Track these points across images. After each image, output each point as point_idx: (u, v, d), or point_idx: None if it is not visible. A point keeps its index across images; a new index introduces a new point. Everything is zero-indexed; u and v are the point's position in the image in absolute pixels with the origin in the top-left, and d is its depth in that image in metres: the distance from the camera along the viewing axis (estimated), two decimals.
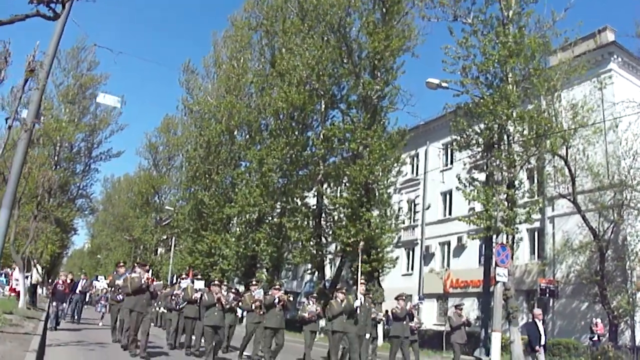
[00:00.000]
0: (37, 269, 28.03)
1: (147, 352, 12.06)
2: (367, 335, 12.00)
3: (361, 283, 12.26)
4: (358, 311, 11.68)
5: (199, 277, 16.00)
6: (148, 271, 12.67)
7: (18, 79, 9.26)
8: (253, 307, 14.75)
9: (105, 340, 15.07)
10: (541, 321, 14.30)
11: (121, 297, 14.77)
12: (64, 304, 19.06)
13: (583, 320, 25.30)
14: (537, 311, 14.44)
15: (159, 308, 21.42)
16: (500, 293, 19.31)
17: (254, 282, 15.63)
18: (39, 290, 37.57)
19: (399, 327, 14.23)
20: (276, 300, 13.37)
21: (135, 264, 14.00)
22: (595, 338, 21.27)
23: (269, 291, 15.06)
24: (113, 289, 16.45)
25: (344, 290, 14.34)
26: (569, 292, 26.21)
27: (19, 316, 15.09)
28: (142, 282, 12.05)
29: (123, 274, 15.36)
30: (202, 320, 13.18)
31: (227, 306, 13.62)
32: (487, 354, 18.42)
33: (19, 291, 19.77)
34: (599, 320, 21.90)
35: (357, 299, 11.84)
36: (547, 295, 25.93)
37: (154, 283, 13.04)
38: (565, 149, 21.24)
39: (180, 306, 15.42)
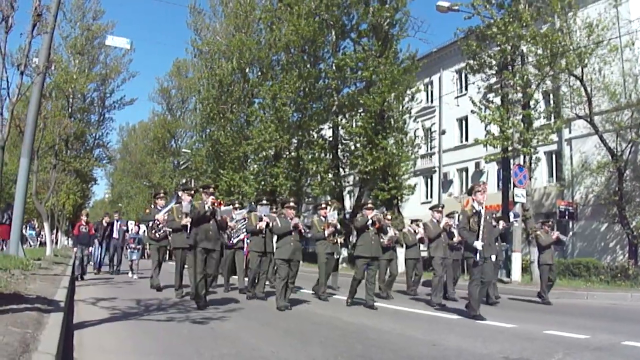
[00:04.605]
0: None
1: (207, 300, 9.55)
2: (493, 257, 9.51)
3: (480, 191, 9.14)
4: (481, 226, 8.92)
5: (264, 202, 12.26)
6: (212, 194, 9.60)
7: (25, 25, 9.17)
8: (325, 235, 12.05)
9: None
10: None
11: (160, 235, 12.94)
12: (90, 248, 16.70)
13: (603, 241, 25.47)
14: None
15: None
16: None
17: (323, 205, 12.94)
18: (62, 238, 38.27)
19: (547, 255, 12.65)
20: (369, 222, 10.60)
21: (180, 192, 11.43)
22: None
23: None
24: (151, 224, 13.40)
25: (440, 209, 12.43)
26: (588, 213, 26.22)
27: (47, 262, 15.47)
28: (207, 207, 9.30)
29: (164, 207, 12.75)
30: (274, 254, 10.92)
31: (309, 234, 11.52)
32: (508, 275, 18.54)
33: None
34: None
35: (476, 210, 9.02)
36: (567, 217, 26.01)
37: (222, 208, 10.43)
38: (580, 68, 20.87)
39: (235, 240, 12.80)
